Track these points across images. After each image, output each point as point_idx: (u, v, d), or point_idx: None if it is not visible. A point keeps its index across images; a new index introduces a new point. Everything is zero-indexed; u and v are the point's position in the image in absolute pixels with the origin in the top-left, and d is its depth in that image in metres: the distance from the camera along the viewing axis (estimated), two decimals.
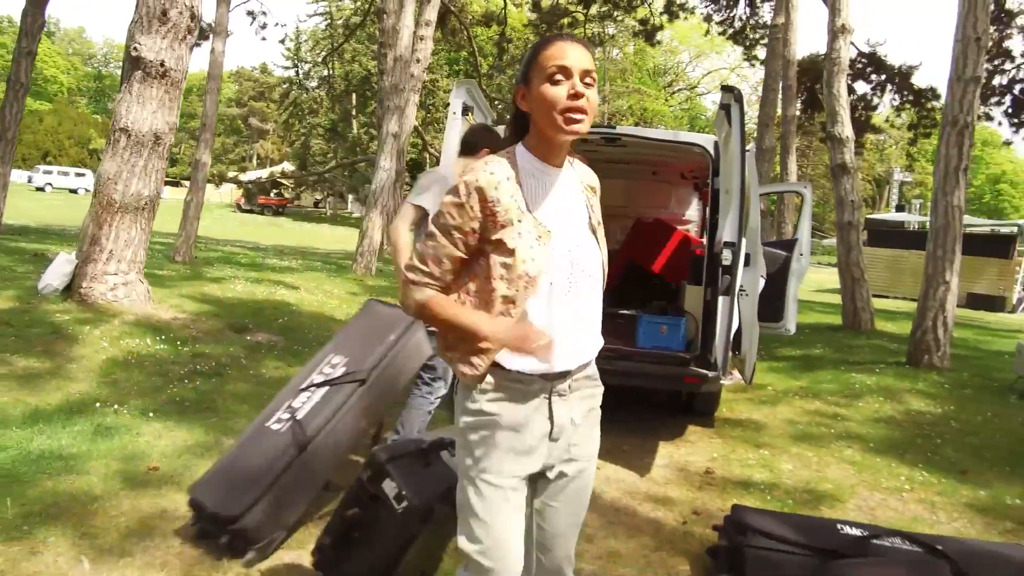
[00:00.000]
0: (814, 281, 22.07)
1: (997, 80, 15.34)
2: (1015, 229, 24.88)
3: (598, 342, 1.79)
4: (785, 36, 12.56)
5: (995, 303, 20.72)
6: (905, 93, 16.43)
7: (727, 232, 3.84)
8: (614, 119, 42.25)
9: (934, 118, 16.74)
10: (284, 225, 34.16)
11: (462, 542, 1.68)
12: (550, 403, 1.69)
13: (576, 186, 1.77)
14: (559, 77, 1.59)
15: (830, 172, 9.45)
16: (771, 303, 7.36)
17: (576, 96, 1.58)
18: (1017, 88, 15.34)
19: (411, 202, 3.25)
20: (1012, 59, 15.30)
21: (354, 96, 39.28)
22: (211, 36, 10.04)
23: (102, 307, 5.56)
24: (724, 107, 3.84)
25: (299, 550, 2.76)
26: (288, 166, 44.04)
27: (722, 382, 5.86)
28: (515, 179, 1.64)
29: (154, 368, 4.67)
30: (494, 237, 1.60)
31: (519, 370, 1.65)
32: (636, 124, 43.37)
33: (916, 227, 35.33)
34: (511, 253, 1.59)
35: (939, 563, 2.30)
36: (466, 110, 4.07)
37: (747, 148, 5.22)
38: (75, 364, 4.54)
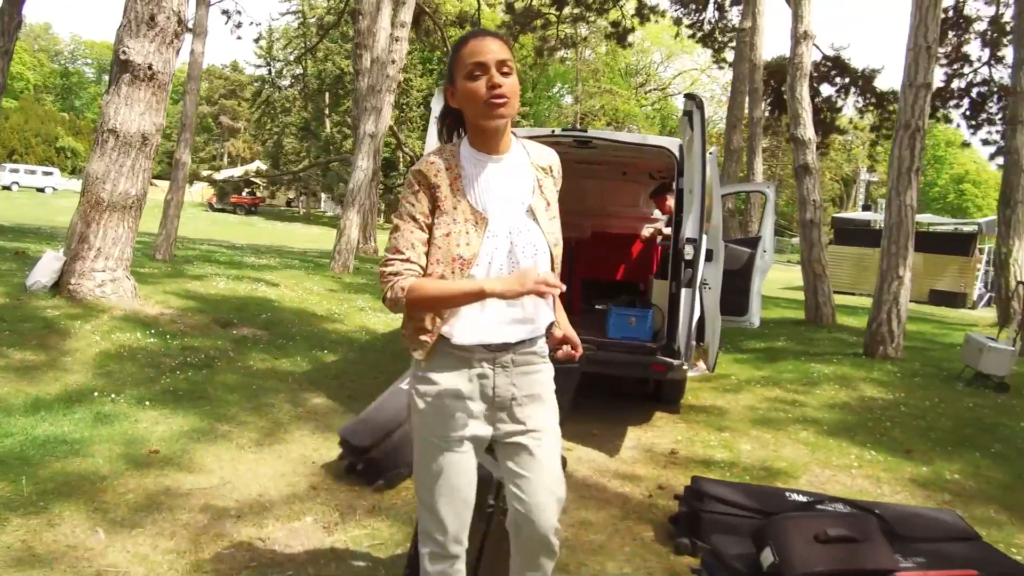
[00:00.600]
0: (782, 279, 22.59)
1: (956, 84, 15.93)
2: (976, 228, 25.65)
3: (546, 317, 1.93)
4: (751, 40, 12.98)
5: (956, 299, 21.38)
6: (868, 96, 16.96)
7: (689, 229, 4.13)
8: (586, 119, 42.65)
9: (896, 120, 17.31)
10: (257, 224, 34.05)
11: (417, 491, 1.91)
12: (493, 373, 1.87)
13: (525, 169, 1.90)
14: (477, 72, 1.76)
15: (793, 172, 9.83)
16: (736, 298, 7.71)
17: (494, 86, 1.75)
18: (975, 91, 15.92)
19: None
20: (970, 63, 15.89)
21: (327, 95, 39.24)
22: (191, 37, 10.16)
23: (91, 303, 5.72)
24: (687, 113, 4.14)
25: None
26: (260, 164, 43.83)
27: (688, 373, 6.20)
28: (455, 169, 1.82)
29: (146, 360, 4.86)
30: (435, 222, 1.80)
31: (461, 343, 1.82)
32: (608, 124, 43.81)
33: (882, 226, 36.29)
34: (447, 237, 1.78)
35: (867, 516, 2.60)
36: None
37: (709, 151, 5.54)
38: (70, 357, 4.71)
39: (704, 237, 4.20)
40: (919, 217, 36.92)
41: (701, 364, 6.61)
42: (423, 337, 1.83)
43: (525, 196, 1.88)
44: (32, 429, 3.60)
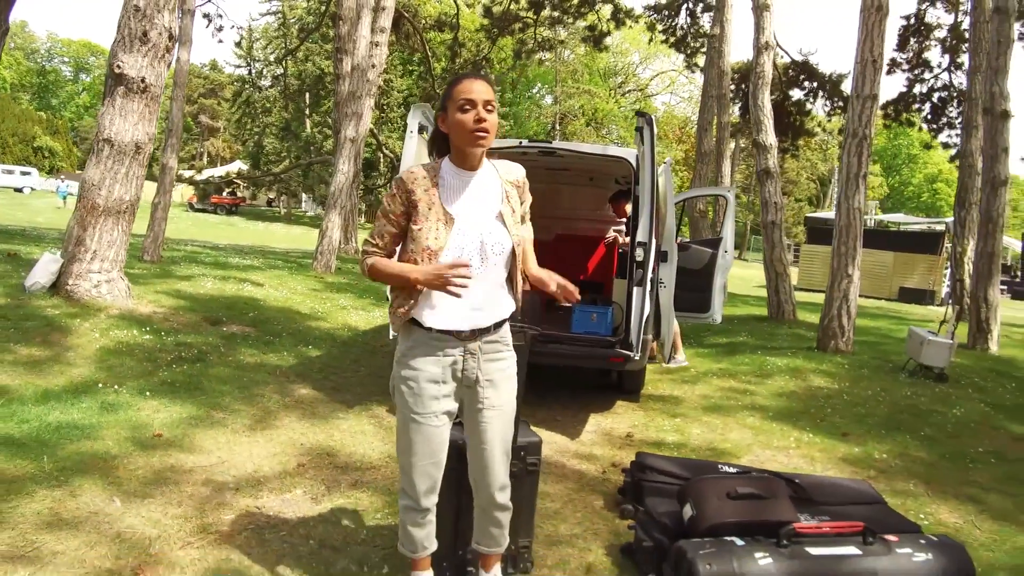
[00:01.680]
0: (757, 277, 23.17)
1: (918, 88, 16.57)
2: (945, 226, 26.44)
3: (508, 307, 2.39)
4: (719, 47, 13.49)
5: (924, 296, 22.03)
6: (835, 99, 17.57)
7: (640, 232, 4.57)
8: (565, 119, 43.19)
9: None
10: (238, 224, 34.23)
11: (398, 456, 2.35)
12: (464, 358, 2.31)
13: (495, 183, 2.36)
14: (467, 107, 2.21)
15: (756, 176, 10.34)
16: (699, 295, 8.20)
17: (480, 120, 2.22)
18: (935, 96, 16.57)
19: None
20: (931, 69, 16.54)
21: (308, 95, 39.43)
22: (176, 45, 10.45)
23: (87, 302, 6.07)
24: (638, 129, 4.59)
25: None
26: (241, 164, 43.92)
27: (669, 365, 6.65)
28: (432, 180, 2.27)
29: (143, 355, 5.23)
30: (411, 220, 2.26)
31: (434, 327, 2.27)
32: (588, 124, 44.37)
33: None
34: (419, 231, 2.23)
35: (775, 479, 3.05)
36: (421, 129, 4.74)
37: (663, 162, 6.00)
38: (72, 352, 5.07)
39: (653, 241, 4.61)
40: (890, 216, 37.74)
41: (681, 355, 7.09)
42: (399, 312, 2.29)
43: (495, 204, 2.34)
44: (45, 416, 3.96)
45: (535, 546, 3.01)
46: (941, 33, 16.22)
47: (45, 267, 6.29)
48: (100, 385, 4.56)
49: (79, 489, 3.17)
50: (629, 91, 50.47)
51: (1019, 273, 32.32)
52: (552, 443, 4.58)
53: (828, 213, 36.66)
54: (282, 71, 33.15)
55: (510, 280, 2.40)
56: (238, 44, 35.33)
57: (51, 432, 3.76)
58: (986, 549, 3.49)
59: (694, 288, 8.21)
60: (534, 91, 50.83)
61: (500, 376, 2.39)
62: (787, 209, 49.04)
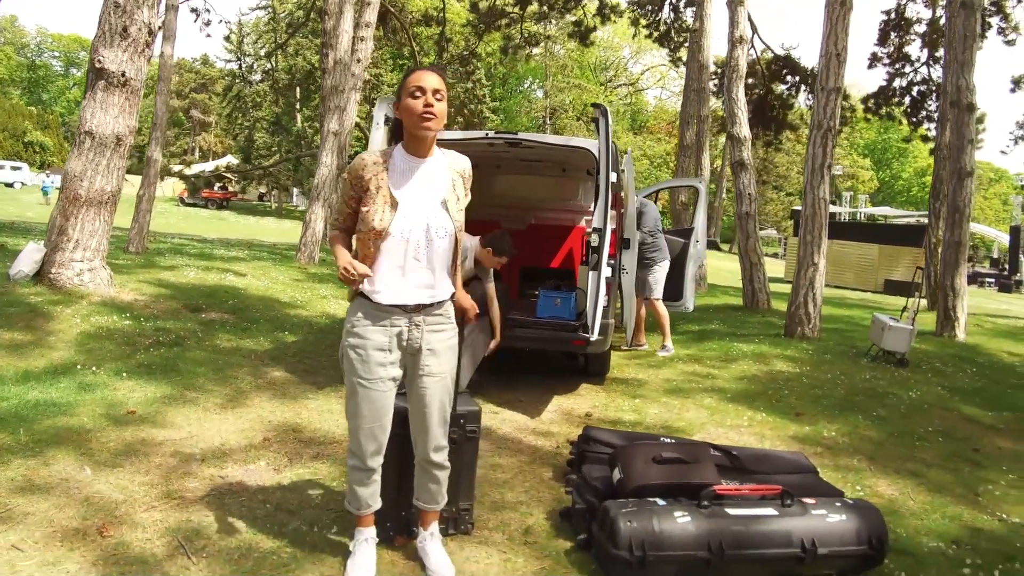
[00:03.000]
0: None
1: (897, 83, 16.79)
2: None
3: (448, 288, 2.60)
4: (699, 42, 13.68)
5: (910, 289, 22.31)
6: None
7: (596, 219, 4.76)
8: (556, 114, 43.34)
9: (845, 116, 18.16)
10: (229, 219, 34.31)
11: (347, 419, 2.55)
12: (409, 329, 2.52)
13: (444, 171, 2.56)
14: (417, 94, 2.42)
15: (731, 168, 10.55)
16: (672, 284, 8.40)
17: (428, 106, 2.41)
18: (915, 90, 16.79)
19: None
20: (911, 63, 16.76)
21: (298, 90, 39.50)
22: (160, 39, 10.60)
23: (70, 290, 6.24)
24: (594, 120, 4.78)
25: None
26: (232, 159, 43.99)
27: (659, 354, 6.86)
28: (383, 166, 2.47)
29: (122, 339, 5.41)
30: (361, 202, 2.47)
31: (384, 303, 2.47)
32: (578, 118, 44.50)
33: (847, 218, 37.54)
34: (366, 212, 2.44)
35: (702, 446, 3.26)
36: (387, 121, 4.92)
37: (624, 152, 6.20)
38: (54, 336, 5.26)
39: (608, 227, 4.80)
40: (876, 210, 38.02)
41: (668, 343, 7.28)
42: (352, 287, 2.51)
43: (441, 191, 2.53)
44: (24, 395, 4.15)
45: (480, 511, 3.22)
46: (921, 28, 16.45)
47: (29, 256, 6.46)
48: (79, 367, 4.74)
49: (52, 459, 3.36)
50: (620, 86, 50.64)
51: (1006, 266, 32.67)
52: (513, 421, 4.79)
53: None
54: (272, 66, 33.24)
55: (451, 264, 2.61)
56: (227, 39, 35.34)
57: (29, 408, 3.95)
58: (916, 518, 3.71)
59: (667, 276, 8.43)
60: (525, 85, 50.99)
61: (441, 346, 2.59)
62: (777, 203, 49.34)
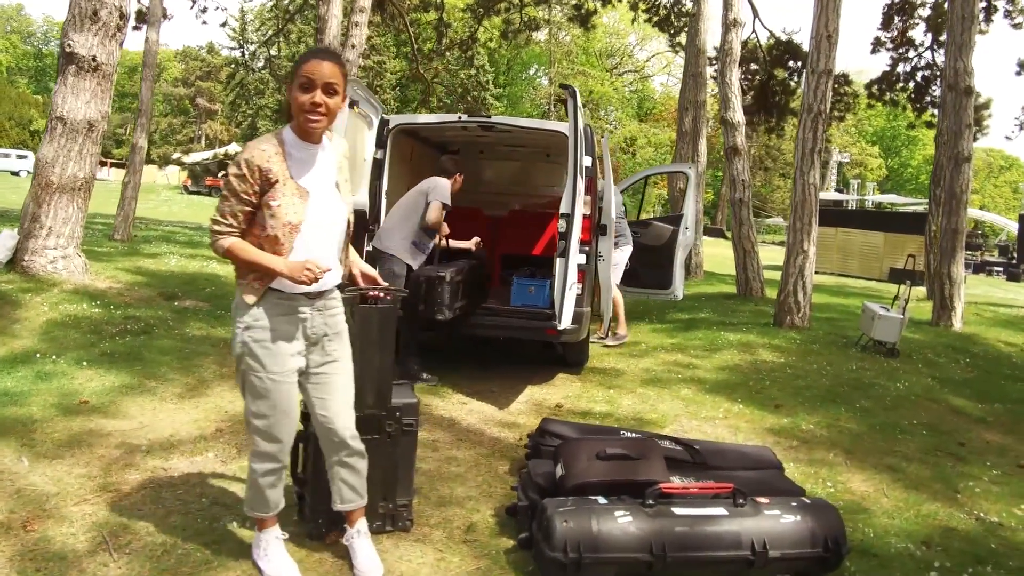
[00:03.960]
0: None
1: (901, 68, 16.48)
2: None
3: (340, 272, 2.51)
4: (696, 26, 13.45)
5: (915, 277, 22.08)
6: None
7: (564, 204, 4.62)
8: (560, 102, 42.89)
9: (847, 102, 17.88)
10: None
11: (251, 420, 2.37)
12: (311, 316, 2.40)
13: (333, 156, 2.45)
14: (307, 86, 2.24)
15: (724, 153, 10.37)
16: (660, 272, 8.27)
17: (315, 104, 2.25)
18: (919, 75, 16.49)
19: (443, 201, 5.05)
20: (915, 48, 16.44)
21: None
22: (145, 25, 10.48)
23: (43, 278, 6.17)
24: (563, 101, 4.64)
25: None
26: (236, 147, 43.95)
27: (607, 343, 6.72)
28: (281, 154, 2.30)
29: (89, 327, 5.33)
30: (267, 196, 2.26)
31: (292, 291, 2.33)
32: (584, 105, 44.16)
33: (854, 206, 37.15)
34: (278, 207, 2.26)
35: (651, 441, 3.13)
36: (352, 103, 4.80)
37: (600, 136, 6.04)
38: (19, 324, 5.18)
39: (577, 212, 4.65)
40: (883, 197, 37.59)
41: (622, 331, 7.15)
42: (256, 285, 2.33)
43: (333, 175, 2.43)
44: None
45: (424, 506, 3.12)
46: (925, 11, 16.13)
47: (2, 243, 6.38)
48: (39, 355, 4.66)
49: None
50: (626, 72, 50.19)
51: (1015, 255, 32.23)
52: (480, 412, 4.69)
53: (820, 194, 36.59)
54: (274, 53, 33.06)
55: (344, 248, 2.54)
56: (223, 25, 35.20)
57: None
58: (887, 516, 3.57)
59: (655, 264, 8.29)
60: (531, 72, 50.63)
61: (341, 328, 2.52)
62: (785, 191, 48.85)
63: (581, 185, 4.79)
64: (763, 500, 2.82)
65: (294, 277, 2.25)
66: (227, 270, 8.32)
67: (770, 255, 19.53)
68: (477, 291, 5.62)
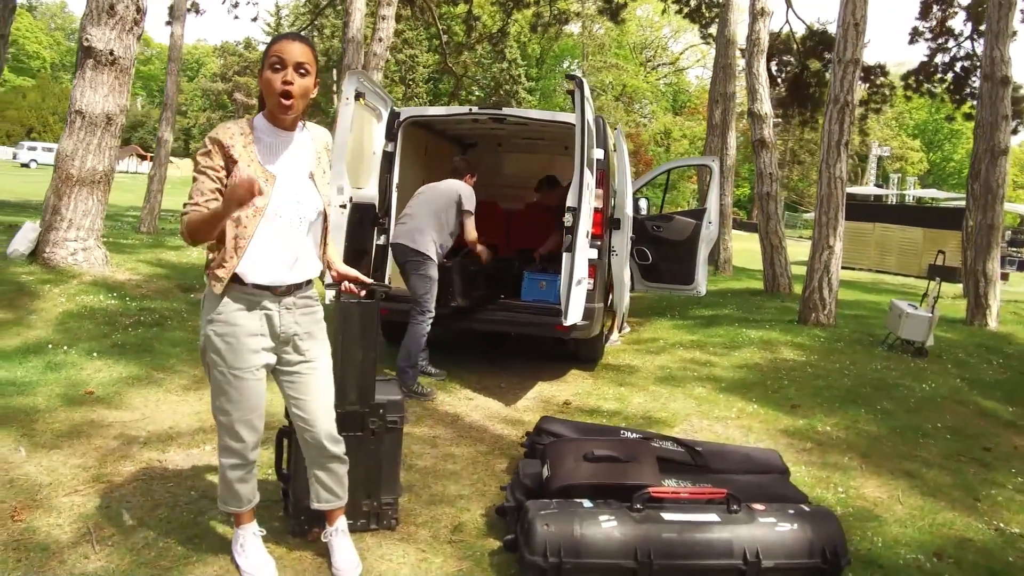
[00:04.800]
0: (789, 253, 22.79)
1: (940, 58, 15.99)
2: None
3: (318, 266, 2.42)
4: (725, 17, 13.17)
5: (955, 274, 21.46)
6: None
7: (570, 198, 4.53)
8: (593, 94, 42.65)
9: (884, 93, 17.41)
10: None
11: (217, 415, 2.34)
12: (279, 313, 2.33)
13: (308, 144, 2.37)
14: (277, 66, 2.19)
15: (752, 146, 10.15)
16: (683, 267, 8.11)
17: (286, 83, 2.18)
18: (959, 66, 15.97)
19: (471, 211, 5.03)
20: (955, 38, 15.93)
21: (334, 71, 39.58)
22: (171, 19, 10.60)
23: (63, 269, 6.26)
24: (570, 92, 4.54)
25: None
26: None
27: (609, 340, 6.60)
28: (249, 136, 2.24)
29: (104, 319, 5.40)
30: (231, 177, 2.16)
31: (254, 283, 2.25)
32: (616, 99, 43.78)
33: (894, 201, 36.28)
34: None
35: (643, 443, 3.04)
36: (358, 96, 4.76)
37: (614, 127, 5.93)
38: (35, 315, 5.26)
39: (584, 206, 4.55)
40: (924, 192, 36.66)
41: (615, 335, 7.01)
42: (220, 272, 2.25)
43: (308, 165, 2.36)
44: None
45: (414, 504, 3.07)
46: (965, 0, 15.60)
47: (25, 235, 6.51)
48: (51, 346, 4.72)
49: None
50: (660, 65, 49.61)
51: None
52: (485, 408, 4.63)
53: (856, 188, 35.79)
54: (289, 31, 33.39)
55: (321, 241, 2.46)
56: (254, 20, 35.57)
57: None
58: (900, 524, 3.41)
59: (677, 259, 8.13)
60: (564, 65, 50.30)
61: (317, 328, 2.44)
62: None
63: (590, 178, 4.69)
64: (759, 507, 2.71)
65: (232, 198, 2.01)
66: None
67: (805, 250, 19.01)
68: (494, 283, 5.60)
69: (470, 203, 5.07)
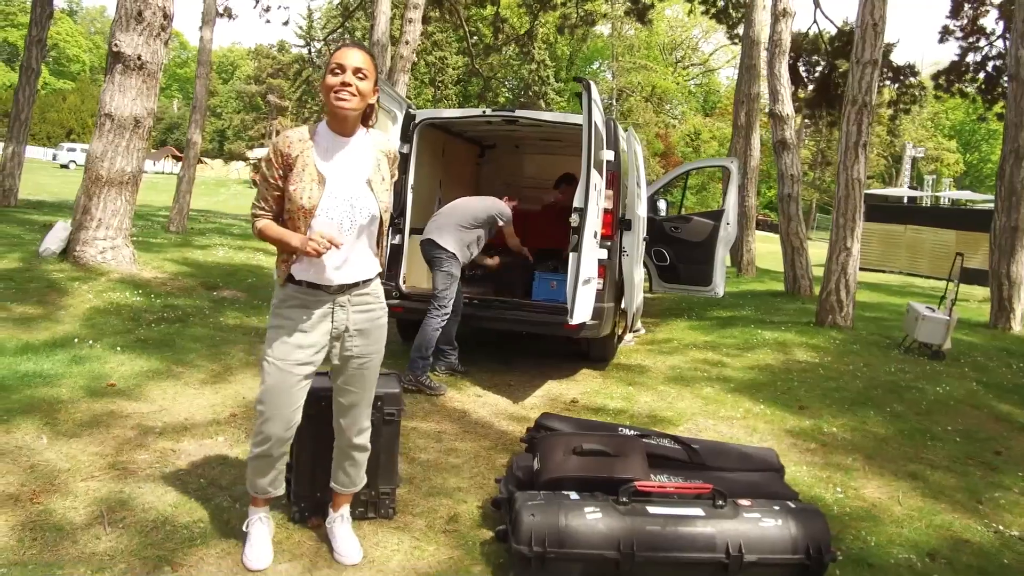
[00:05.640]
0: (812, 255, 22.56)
1: (971, 57, 15.72)
2: None
3: (373, 267, 2.54)
4: (750, 17, 13.11)
5: (984, 277, 21.04)
6: (884, 70, 16.81)
7: (577, 198, 4.60)
8: (622, 95, 42.54)
9: (913, 94, 17.16)
10: None
11: (259, 405, 2.47)
12: (333, 311, 2.47)
13: (369, 151, 2.49)
14: (337, 71, 2.35)
15: (772, 148, 10.11)
16: (700, 268, 8.13)
17: (344, 84, 2.34)
18: (990, 65, 15.69)
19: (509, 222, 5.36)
20: (986, 37, 15.65)
21: None
22: (200, 23, 10.87)
23: (92, 267, 6.50)
24: (578, 95, 4.62)
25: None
26: None
27: (622, 344, 6.65)
28: (308, 141, 2.40)
29: (129, 315, 5.60)
30: (288, 180, 2.37)
31: (307, 281, 2.42)
32: (646, 100, 43.58)
33: (928, 203, 35.62)
34: (294, 191, 2.35)
35: (632, 439, 3.10)
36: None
37: (625, 128, 5.98)
38: (63, 311, 5.48)
39: (590, 207, 4.61)
40: (959, 194, 35.94)
41: (628, 336, 7.05)
42: (282, 266, 2.46)
43: (365, 171, 2.47)
44: (17, 366, 4.34)
45: (413, 495, 3.18)
46: None
47: (56, 235, 6.76)
48: (77, 340, 4.93)
49: (15, 427, 3.50)
50: (690, 66, 49.29)
51: None
52: (492, 405, 4.72)
53: (887, 190, 35.18)
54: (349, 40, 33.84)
55: (375, 244, 2.56)
56: (285, 23, 36.07)
57: (16, 379, 4.12)
58: (896, 525, 3.42)
59: (695, 261, 8.15)
60: (594, 67, 50.23)
61: (369, 326, 2.55)
62: None
63: (598, 179, 4.76)
64: (744, 502, 2.77)
65: (300, 248, 2.31)
66: (270, 261, 8.60)
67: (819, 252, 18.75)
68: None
69: (507, 217, 5.38)
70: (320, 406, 2.70)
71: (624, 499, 2.64)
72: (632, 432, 3.61)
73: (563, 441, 2.88)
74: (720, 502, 2.71)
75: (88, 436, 3.51)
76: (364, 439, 2.66)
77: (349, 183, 2.42)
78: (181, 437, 3.65)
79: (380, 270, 2.60)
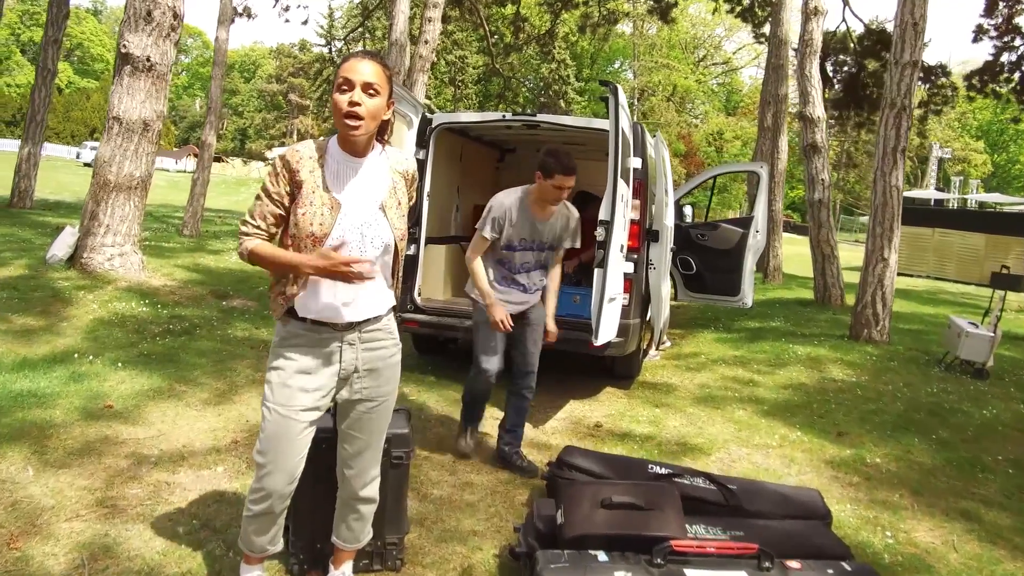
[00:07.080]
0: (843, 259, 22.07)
1: (1005, 57, 15.19)
2: None
3: (387, 302, 2.26)
4: (777, 16, 12.72)
5: (1020, 282, 20.49)
6: None
7: (602, 211, 4.29)
8: (643, 95, 42.07)
9: (945, 95, 16.66)
10: None
11: (259, 456, 2.18)
12: (341, 349, 2.18)
13: (383, 172, 2.19)
14: (345, 87, 2.04)
15: (802, 151, 9.74)
16: (728, 277, 7.80)
17: (353, 104, 2.03)
18: None
19: (481, 233, 3.78)
20: (1022, 35, 15.10)
21: None
22: (216, 24, 10.70)
23: (100, 275, 6.31)
24: (603, 99, 4.32)
25: None
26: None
27: (648, 356, 6.34)
28: (318, 160, 2.10)
29: (133, 327, 5.39)
30: (295, 202, 2.08)
31: (312, 319, 2.13)
32: (667, 99, 43.08)
33: (955, 205, 34.85)
34: (303, 216, 2.06)
35: (666, 487, 2.79)
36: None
37: (653, 134, 5.67)
38: (66, 323, 5.28)
39: (617, 220, 4.31)
40: (988, 196, 35.20)
41: (652, 351, 6.72)
42: (280, 300, 2.15)
43: (379, 195, 2.17)
44: (12, 384, 4.12)
45: (423, 542, 2.90)
46: None
47: (63, 241, 6.58)
48: (77, 355, 4.71)
49: (1, 456, 3.27)
50: (713, 64, 48.68)
51: None
52: None
53: (914, 192, 34.45)
54: (359, 49, 33.75)
55: (390, 274, 2.27)
56: (304, 23, 36.04)
57: (9, 399, 3.91)
58: None
59: (723, 269, 7.82)
60: (615, 66, 49.77)
61: (381, 365, 2.27)
62: None
63: (624, 189, 4.47)
64: (794, 564, 2.47)
65: (324, 268, 2.00)
66: None
67: (860, 256, 18.21)
68: None
69: (481, 223, 4.35)
70: (317, 450, 2.42)
71: (659, 560, 2.35)
72: (663, 470, 3.32)
73: (590, 491, 2.60)
74: (767, 564, 2.42)
75: (78, 467, 3.28)
76: (372, 491, 2.38)
77: (362, 209, 2.13)
78: (177, 467, 3.40)
79: (394, 303, 2.31)
